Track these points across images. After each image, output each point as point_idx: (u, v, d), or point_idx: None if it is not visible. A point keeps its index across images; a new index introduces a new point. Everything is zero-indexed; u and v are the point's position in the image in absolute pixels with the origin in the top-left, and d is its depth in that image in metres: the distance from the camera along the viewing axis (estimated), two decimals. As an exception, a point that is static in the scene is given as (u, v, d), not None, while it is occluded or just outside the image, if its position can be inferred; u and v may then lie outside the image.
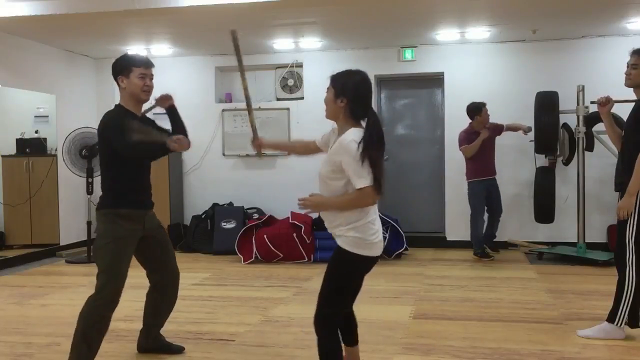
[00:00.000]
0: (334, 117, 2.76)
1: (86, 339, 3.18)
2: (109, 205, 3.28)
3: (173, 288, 3.62)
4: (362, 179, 2.57)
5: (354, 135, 2.62)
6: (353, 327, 3.03)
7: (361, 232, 2.65)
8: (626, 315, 3.71)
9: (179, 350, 3.71)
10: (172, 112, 3.57)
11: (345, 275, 2.73)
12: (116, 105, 3.42)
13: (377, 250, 2.72)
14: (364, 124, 2.69)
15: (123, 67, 3.32)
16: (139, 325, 4.17)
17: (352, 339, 3.03)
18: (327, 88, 2.75)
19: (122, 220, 3.26)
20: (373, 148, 2.59)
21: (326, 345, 2.74)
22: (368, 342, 3.75)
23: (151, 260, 3.52)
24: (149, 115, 3.57)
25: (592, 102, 4.21)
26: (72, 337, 3.20)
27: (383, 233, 3.71)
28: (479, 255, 6.64)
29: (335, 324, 2.77)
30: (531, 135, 6.74)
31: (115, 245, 3.23)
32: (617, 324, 3.73)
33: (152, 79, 3.38)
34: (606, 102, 3.94)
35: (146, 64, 3.35)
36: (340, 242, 2.68)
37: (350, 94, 2.67)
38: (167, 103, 3.54)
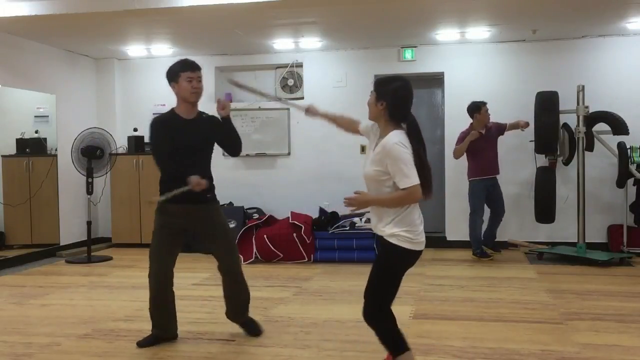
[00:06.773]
0: (375, 119, 2.91)
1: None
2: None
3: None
4: (406, 179, 2.69)
5: (397, 137, 2.75)
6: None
7: (407, 226, 2.77)
8: None
9: (253, 331, 3.98)
10: (226, 122, 3.73)
11: (393, 268, 2.83)
12: (171, 109, 3.69)
13: (421, 245, 2.84)
14: (404, 126, 2.83)
15: (172, 74, 3.59)
16: (139, 325, 4.18)
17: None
18: (371, 91, 2.90)
19: None
20: (417, 149, 2.75)
21: (382, 331, 2.87)
22: (368, 342, 3.76)
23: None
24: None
25: None
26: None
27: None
28: (478, 255, 6.65)
29: (385, 314, 2.85)
30: (531, 135, 6.74)
31: None
32: None
33: (200, 80, 3.60)
34: None
35: (192, 68, 3.56)
36: (389, 239, 2.78)
37: (389, 99, 2.80)
38: (224, 112, 3.70)
